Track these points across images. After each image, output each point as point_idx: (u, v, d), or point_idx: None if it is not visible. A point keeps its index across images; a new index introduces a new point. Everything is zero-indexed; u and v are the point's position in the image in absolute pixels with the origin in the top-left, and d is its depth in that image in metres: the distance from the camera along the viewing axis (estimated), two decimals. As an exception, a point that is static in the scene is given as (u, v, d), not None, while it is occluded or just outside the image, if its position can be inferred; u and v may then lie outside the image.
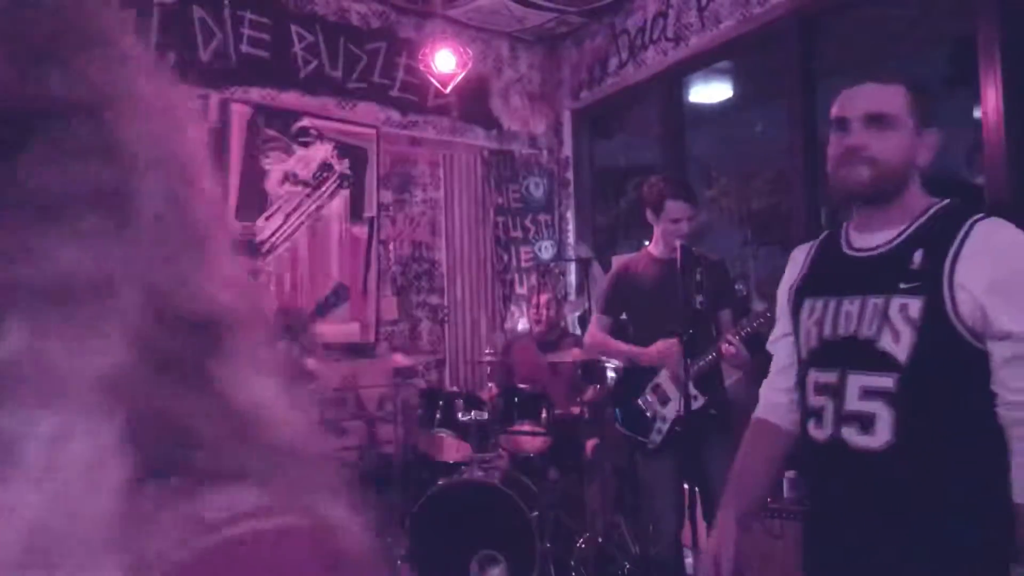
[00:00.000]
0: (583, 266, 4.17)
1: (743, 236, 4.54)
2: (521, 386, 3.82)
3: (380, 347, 4.67)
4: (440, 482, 3.44)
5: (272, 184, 4.32)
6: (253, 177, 4.24)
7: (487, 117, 5.25)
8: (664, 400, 2.90)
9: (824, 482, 1.58)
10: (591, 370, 3.71)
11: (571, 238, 5.39)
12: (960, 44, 3.18)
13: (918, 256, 1.42)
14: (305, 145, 4.44)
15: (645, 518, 3.22)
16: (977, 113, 3.04)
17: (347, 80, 4.65)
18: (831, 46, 3.79)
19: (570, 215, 5.44)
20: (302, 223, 4.43)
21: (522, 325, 4.96)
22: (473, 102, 5.13)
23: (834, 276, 1.59)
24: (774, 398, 1.73)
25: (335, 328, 4.36)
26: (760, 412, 1.76)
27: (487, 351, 4.00)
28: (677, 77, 4.66)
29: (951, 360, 1.39)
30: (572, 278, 5.32)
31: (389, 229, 4.81)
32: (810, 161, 3.67)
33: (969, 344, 1.37)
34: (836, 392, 1.48)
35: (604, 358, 3.58)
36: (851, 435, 1.45)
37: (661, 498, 2.95)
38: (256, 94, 4.31)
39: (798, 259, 1.73)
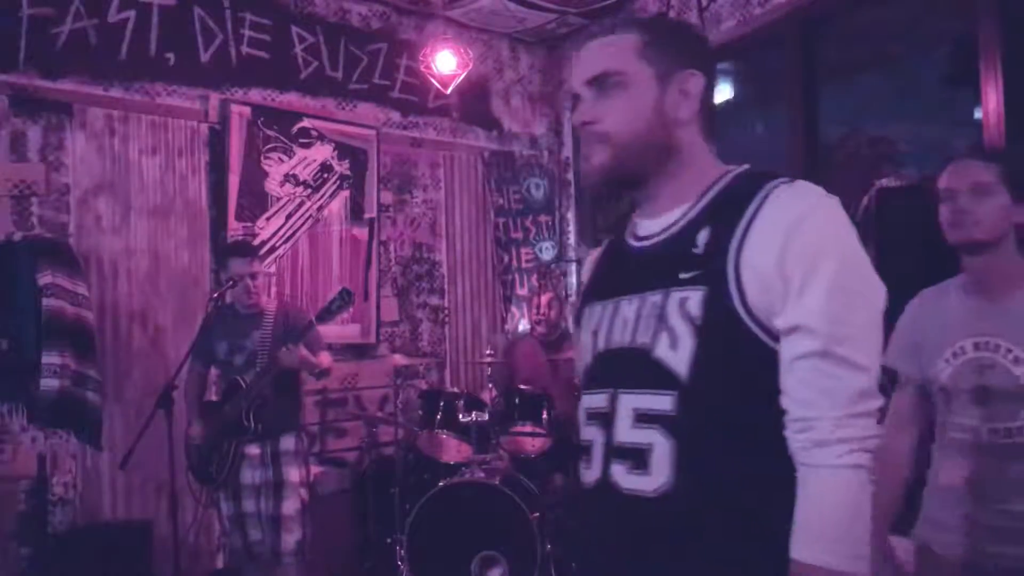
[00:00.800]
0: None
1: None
2: (522, 387, 3.82)
3: (381, 348, 4.67)
4: (441, 483, 3.44)
5: (272, 185, 4.32)
6: (253, 178, 4.24)
7: (488, 118, 5.25)
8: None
9: (589, 539, 1.20)
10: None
11: (572, 239, 5.39)
12: (960, 44, 3.17)
13: (703, 236, 1.09)
14: (305, 146, 4.44)
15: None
16: (978, 113, 3.03)
17: (347, 81, 4.65)
18: (831, 47, 3.79)
19: (571, 216, 5.44)
20: (303, 224, 4.44)
21: (523, 326, 4.95)
22: (474, 103, 5.14)
23: (615, 274, 1.25)
24: None
25: (336, 329, 4.36)
26: None
27: (488, 352, 4.00)
28: (677, 78, 4.65)
29: (743, 369, 1.05)
30: (573, 279, 5.32)
31: (389, 230, 4.81)
32: (811, 163, 3.66)
33: (764, 346, 1.04)
34: (606, 420, 1.13)
35: None
36: (621, 475, 1.09)
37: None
38: (256, 95, 4.31)
39: (590, 262, 1.38)
